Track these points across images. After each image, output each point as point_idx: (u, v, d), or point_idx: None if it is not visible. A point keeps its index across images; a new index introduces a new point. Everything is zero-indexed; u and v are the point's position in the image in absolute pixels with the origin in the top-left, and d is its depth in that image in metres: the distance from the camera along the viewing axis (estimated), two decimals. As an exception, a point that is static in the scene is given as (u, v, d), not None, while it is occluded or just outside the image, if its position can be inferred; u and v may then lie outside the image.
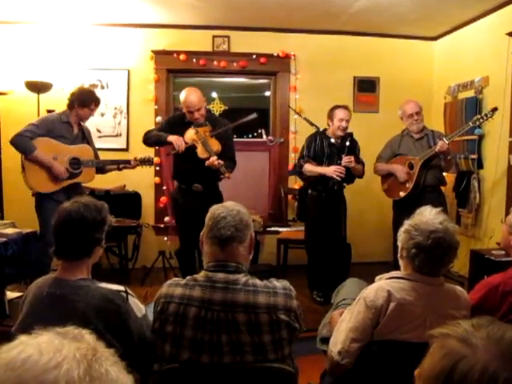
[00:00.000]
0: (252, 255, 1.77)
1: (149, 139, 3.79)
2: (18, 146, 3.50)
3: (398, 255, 1.83)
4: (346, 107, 4.02)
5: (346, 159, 3.85)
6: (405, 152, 3.99)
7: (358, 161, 3.99)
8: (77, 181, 3.74)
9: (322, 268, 4.04)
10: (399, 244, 1.80)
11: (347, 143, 3.92)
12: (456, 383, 0.67)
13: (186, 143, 3.57)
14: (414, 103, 3.98)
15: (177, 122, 3.79)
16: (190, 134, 3.63)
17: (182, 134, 3.64)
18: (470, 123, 3.70)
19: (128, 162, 3.92)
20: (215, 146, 3.60)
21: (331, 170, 3.85)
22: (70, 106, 3.69)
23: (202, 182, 3.69)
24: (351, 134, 4.04)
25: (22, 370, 0.59)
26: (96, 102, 3.76)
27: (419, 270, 1.72)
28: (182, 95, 3.63)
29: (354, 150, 3.99)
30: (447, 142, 3.66)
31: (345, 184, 4.08)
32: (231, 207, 1.72)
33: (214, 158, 3.48)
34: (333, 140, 3.95)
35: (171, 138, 3.57)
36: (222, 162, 3.51)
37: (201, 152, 3.56)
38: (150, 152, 4.27)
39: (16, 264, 3.58)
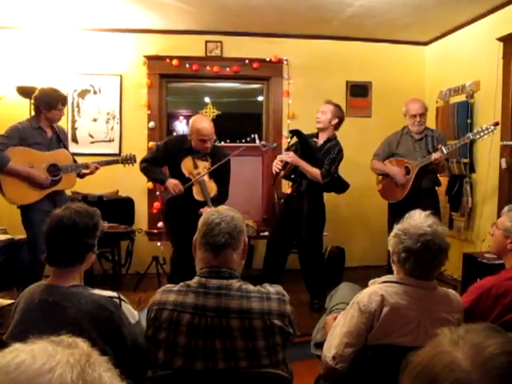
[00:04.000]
0: (245, 260, 1.77)
1: (146, 176, 3.80)
2: None
3: (391, 260, 1.84)
4: (327, 101, 3.98)
5: (284, 154, 3.83)
6: (403, 152, 3.95)
7: (316, 164, 3.73)
8: (58, 188, 3.58)
9: (272, 268, 3.95)
10: (390, 249, 1.80)
11: (291, 140, 3.93)
12: (426, 373, 0.71)
13: (184, 175, 3.57)
14: (419, 105, 3.90)
15: (177, 146, 3.69)
16: (189, 166, 3.61)
17: (180, 159, 3.61)
18: (470, 135, 3.62)
19: (115, 161, 3.84)
20: (212, 190, 3.61)
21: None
22: (37, 110, 3.53)
23: (193, 213, 3.65)
24: (329, 139, 3.89)
25: (15, 373, 0.60)
26: (62, 101, 3.57)
27: (411, 274, 1.73)
28: (196, 123, 3.58)
29: (306, 142, 3.82)
30: (446, 151, 3.63)
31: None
32: (225, 213, 1.70)
33: (209, 209, 3.46)
34: (315, 139, 3.91)
35: (169, 186, 3.54)
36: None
37: (197, 193, 3.57)
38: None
39: (7, 271, 3.55)
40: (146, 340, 1.66)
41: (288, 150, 3.96)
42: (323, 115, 3.85)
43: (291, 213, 3.89)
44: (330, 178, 3.77)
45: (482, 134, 3.55)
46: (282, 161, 3.76)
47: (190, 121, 3.71)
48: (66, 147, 3.74)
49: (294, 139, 3.98)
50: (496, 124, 3.57)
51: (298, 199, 3.85)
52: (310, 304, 3.96)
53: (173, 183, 3.55)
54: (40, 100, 3.50)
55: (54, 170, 3.53)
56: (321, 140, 3.91)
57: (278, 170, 3.76)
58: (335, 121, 3.86)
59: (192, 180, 3.57)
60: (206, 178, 3.60)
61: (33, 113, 3.63)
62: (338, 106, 3.92)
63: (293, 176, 3.86)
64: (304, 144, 3.81)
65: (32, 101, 3.56)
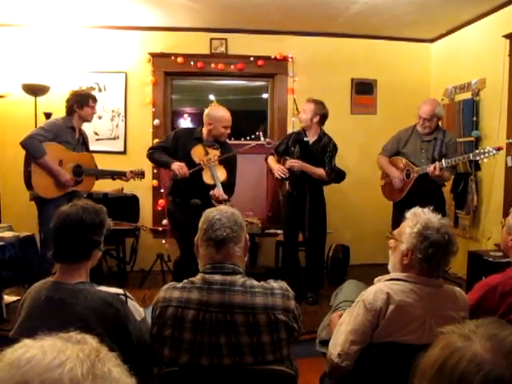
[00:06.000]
0: (248, 257, 1.79)
1: (152, 160, 3.84)
2: (29, 148, 3.52)
3: (397, 260, 1.81)
4: (308, 99, 4.02)
5: (289, 162, 3.87)
6: (408, 152, 3.90)
7: (320, 165, 3.88)
8: (77, 189, 3.79)
9: (291, 266, 4.12)
10: (407, 247, 1.75)
11: (292, 145, 3.94)
12: (447, 371, 0.71)
13: (194, 162, 3.59)
14: (428, 109, 3.74)
15: (186, 136, 3.78)
16: (199, 153, 3.64)
17: (189, 148, 3.65)
18: (471, 155, 3.51)
19: (124, 173, 3.97)
20: (223, 174, 3.63)
21: (276, 169, 3.92)
22: (70, 111, 3.75)
23: (201, 197, 3.67)
24: (323, 136, 3.96)
25: (26, 368, 0.61)
26: (93, 97, 3.82)
27: (430, 270, 1.72)
28: (217, 112, 3.68)
29: (309, 151, 3.90)
30: (444, 165, 3.56)
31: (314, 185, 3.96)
32: (225, 209, 1.75)
33: (219, 192, 3.47)
34: (305, 139, 3.93)
35: (174, 167, 3.58)
36: (226, 197, 3.50)
37: (207, 178, 3.59)
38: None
39: (13, 267, 3.56)
40: (152, 338, 1.67)
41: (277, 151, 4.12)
42: (304, 114, 3.94)
43: (295, 211, 3.96)
44: (334, 174, 3.93)
45: (482, 156, 3.44)
46: (288, 169, 3.85)
47: (209, 110, 3.73)
48: (87, 149, 3.96)
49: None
50: (499, 149, 3.48)
51: (300, 197, 3.90)
52: (304, 297, 4.00)
53: (178, 165, 3.58)
54: (72, 100, 3.74)
55: (78, 171, 3.76)
56: (311, 137, 3.97)
57: (283, 177, 3.87)
58: (317, 118, 3.91)
59: (202, 165, 3.58)
60: (216, 163, 3.64)
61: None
62: (319, 104, 3.96)
63: (287, 175, 3.93)
64: (306, 150, 3.91)
65: (65, 104, 3.77)
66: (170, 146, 3.77)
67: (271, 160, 4.11)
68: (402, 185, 3.88)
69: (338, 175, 4.03)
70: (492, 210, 4.32)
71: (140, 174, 4.03)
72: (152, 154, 3.77)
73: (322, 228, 4.08)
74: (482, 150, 3.46)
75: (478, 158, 3.48)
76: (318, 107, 3.92)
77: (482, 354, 0.70)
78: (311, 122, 3.91)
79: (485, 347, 0.71)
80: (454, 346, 0.73)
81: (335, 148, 3.97)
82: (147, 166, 4.97)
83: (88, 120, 3.87)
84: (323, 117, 3.95)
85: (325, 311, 2.58)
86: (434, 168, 3.57)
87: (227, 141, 3.92)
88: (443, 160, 3.60)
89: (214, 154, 3.65)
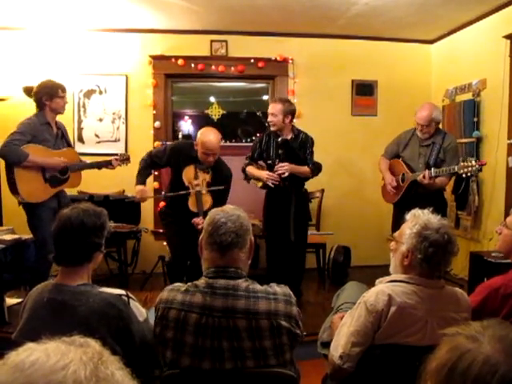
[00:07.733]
0: (251, 259, 1.76)
1: (139, 168, 3.81)
2: (9, 156, 3.33)
3: (398, 261, 1.81)
4: (274, 100, 3.97)
5: (279, 167, 3.71)
6: (407, 157, 3.88)
7: (304, 162, 3.82)
8: (65, 187, 3.65)
9: (273, 269, 3.97)
10: (407, 248, 1.75)
11: (277, 143, 3.80)
12: (459, 374, 0.70)
13: (184, 184, 3.60)
14: (426, 115, 3.67)
15: (183, 152, 3.69)
16: (190, 175, 3.62)
17: (183, 165, 3.62)
18: (456, 167, 3.49)
19: (109, 162, 3.86)
20: (207, 203, 3.58)
21: (264, 176, 3.76)
22: (41, 105, 3.53)
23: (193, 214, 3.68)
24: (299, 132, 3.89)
25: (30, 371, 0.61)
26: (61, 87, 3.58)
27: (431, 270, 1.71)
28: (203, 135, 3.55)
29: (292, 150, 3.80)
30: (433, 174, 3.54)
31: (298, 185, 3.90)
32: (231, 212, 1.69)
33: (200, 220, 3.38)
34: (283, 137, 3.82)
35: (136, 189, 3.64)
36: None
37: (192, 204, 3.58)
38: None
39: (15, 270, 3.57)
40: (154, 338, 1.66)
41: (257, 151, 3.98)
42: (274, 118, 3.78)
43: (279, 211, 3.87)
44: (316, 170, 3.88)
45: (466, 169, 3.43)
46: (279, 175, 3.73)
47: (200, 132, 3.65)
48: (68, 143, 3.79)
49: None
50: (482, 164, 3.47)
51: (285, 200, 3.81)
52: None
53: (139, 189, 3.64)
54: (40, 93, 3.51)
55: (62, 168, 3.58)
56: (287, 135, 3.86)
57: (276, 184, 3.73)
58: (288, 119, 3.79)
59: (189, 189, 3.58)
60: (203, 190, 3.59)
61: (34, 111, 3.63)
62: (286, 102, 3.87)
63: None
64: (289, 150, 3.81)
65: (33, 98, 3.57)
66: (163, 163, 3.77)
67: (252, 169, 3.92)
68: (395, 190, 3.88)
69: (317, 169, 3.94)
70: (493, 210, 4.31)
71: (126, 160, 3.94)
72: (140, 167, 3.74)
73: (306, 229, 4.06)
74: (466, 164, 3.45)
75: (461, 171, 3.46)
76: (286, 106, 3.79)
77: (494, 356, 0.69)
78: (284, 122, 3.77)
79: (496, 348, 0.70)
80: (463, 348, 0.72)
81: (313, 143, 3.90)
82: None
83: (60, 112, 3.62)
84: (293, 114, 3.85)
85: (326, 313, 2.58)
86: (424, 176, 3.56)
87: (221, 160, 3.76)
88: (432, 169, 3.59)
89: (204, 178, 3.62)
